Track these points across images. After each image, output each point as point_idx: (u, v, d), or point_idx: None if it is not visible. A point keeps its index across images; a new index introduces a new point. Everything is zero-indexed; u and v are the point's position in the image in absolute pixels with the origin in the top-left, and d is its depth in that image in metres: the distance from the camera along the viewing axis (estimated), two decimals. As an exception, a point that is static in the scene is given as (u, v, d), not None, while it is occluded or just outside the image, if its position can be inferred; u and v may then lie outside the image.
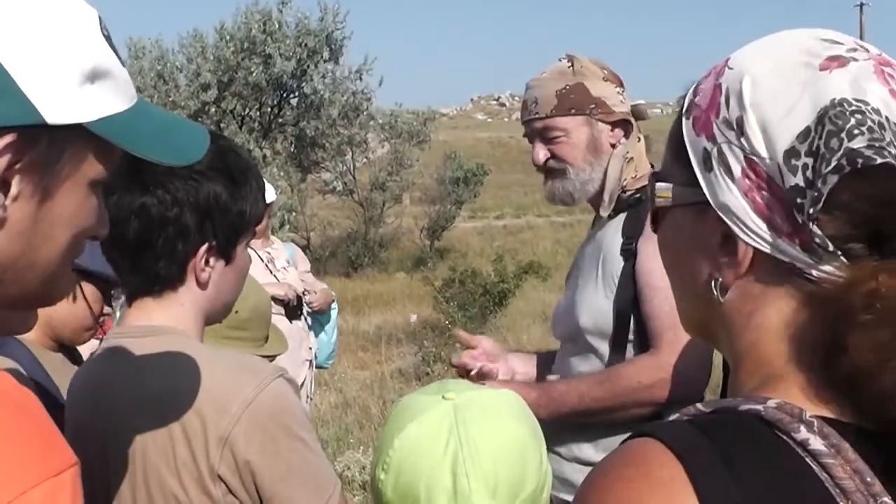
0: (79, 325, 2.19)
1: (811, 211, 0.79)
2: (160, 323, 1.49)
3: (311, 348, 5.25)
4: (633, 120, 2.23)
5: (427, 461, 1.21)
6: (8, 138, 0.78)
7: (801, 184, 0.80)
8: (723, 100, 0.87)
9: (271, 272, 4.89)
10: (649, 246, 2.04)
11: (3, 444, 0.71)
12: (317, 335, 5.40)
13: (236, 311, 2.27)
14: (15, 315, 0.90)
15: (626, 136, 2.22)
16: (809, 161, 0.80)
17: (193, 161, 0.97)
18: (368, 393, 8.85)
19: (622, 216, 2.19)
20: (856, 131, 0.79)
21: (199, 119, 16.38)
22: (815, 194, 0.79)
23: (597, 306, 2.12)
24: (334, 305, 5.56)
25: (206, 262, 1.49)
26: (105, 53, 0.86)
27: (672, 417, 0.85)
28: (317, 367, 5.50)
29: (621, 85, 2.25)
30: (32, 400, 0.77)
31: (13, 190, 0.80)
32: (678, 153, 0.92)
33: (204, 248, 1.48)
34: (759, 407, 0.80)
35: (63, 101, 0.81)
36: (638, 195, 2.18)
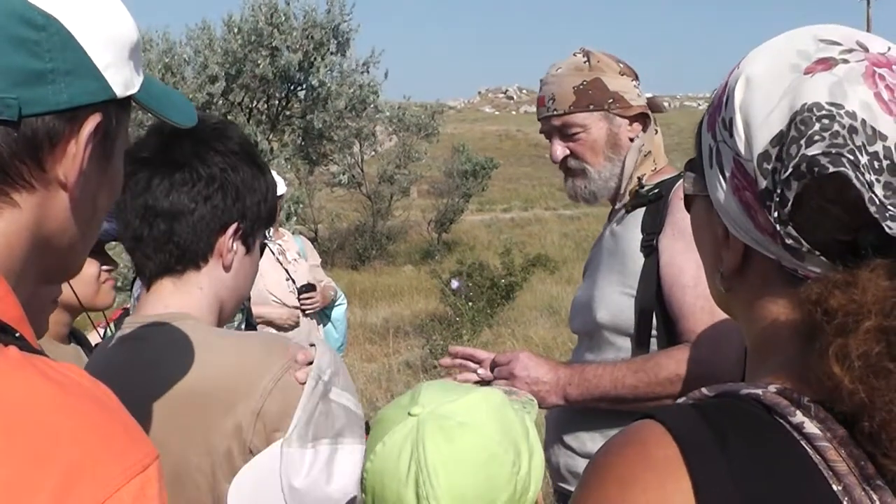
0: (92, 287, 2.22)
1: (777, 214, 0.83)
2: (176, 310, 1.49)
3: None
4: (650, 113, 2.22)
5: (394, 483, 1.20)
6: (97, 117, 0.83)
7: (770, 187, 0.84)
8: (724, 99, 0.91)
9: (282, 264, 4.88)
10: (675, 243, 2.03)
11: (89, 440, 0.70)
12: (324, 325, 5.39)
13: None
14: (45, 296, 0.92)
15: (644, 129, 2.21)
16: (778, 166, 0.84)
17: (193, 123, 1.00)
18: (376, 386, 8.86)
19: (640, 211, 2.17)
20: (816, 137, 0.81)
21: (207, 111, 16.32)
22: (780, 198, 0.83)
23: (615, 302, 2.11)
24: (342, 299, 5.55)
25: (232, 244, 1.51)
26: (135, 26, 0.90)
27: (679, 400, 0.89)
28: (324, 360, 5.49)
29: (636, 78, 2.24)
30: (107, 392, 0.77)
31: (86, 165, 0.83)
32: (698, 145, 0.97)
33: (233, 228, 1.50)
34: (759, 391, 0.83)
35: (122, 75, 0.86)
36: (657, 190, 2.16)
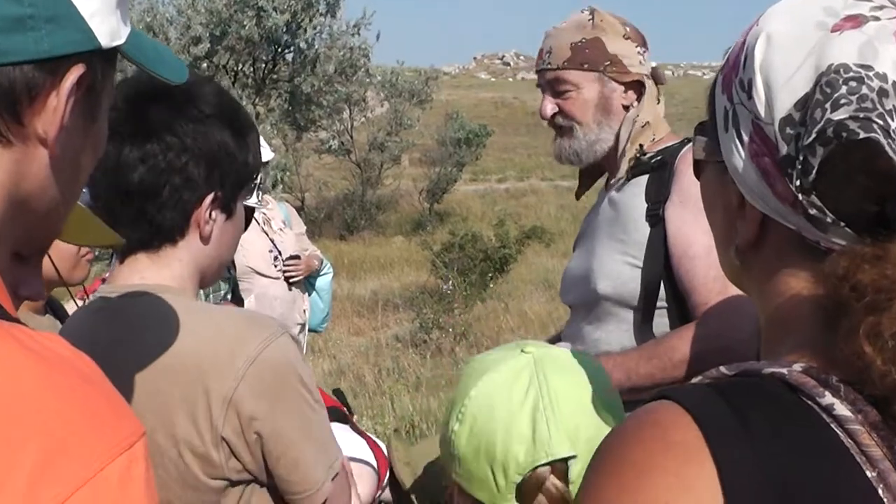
0: (71, 261, 2.20)
1: (799, 182, 0.80)
2: (154, 281, 1.47)
3: (304, 311, 5.22)
4: (650, 82, 2.20)
5: (505, 408, 1.21)
6: (80, 69, 0.79)
7: (792, 153, 0.81)
8: (742, 58, 0.88)
9: (267, 234, 4.84)
10: (683, 213, 2.03)
11: (71, 415, 0.67)
12: (309, 295, 5.36)
13: None
14: (28, 272, 0.89)
15: (639, 98, 2.18)
16: (801, 131, 0.81)
17: (186, 79, 0.98)
18: (363, 360, 8.86)
19: (642, 179, 2.15)
20: (843, 101, 0.78)
21: (190, 74, 16.15)
22: (803, 166, 0.80)
23: (617, 273, 2.10)
24: (328, 269, 5.52)
25: (210, 214, 1.47)
26: None
27: (694, 380, 0.86)
28: (309, 331, 5.47)
29: (644, 45, 2.22)
30: (90, 364, 0.75)
31: (67, 120, 0.80)
32: (711, 108, 0.94)
33: (209, 198, 1.46)
34: (784, 370, 0.80)
35: (108, 24, 0.82)
36: (660, 157, 2.14)
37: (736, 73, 0.88)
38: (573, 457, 1.17)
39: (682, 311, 2.03)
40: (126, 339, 1.40)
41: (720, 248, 0.97)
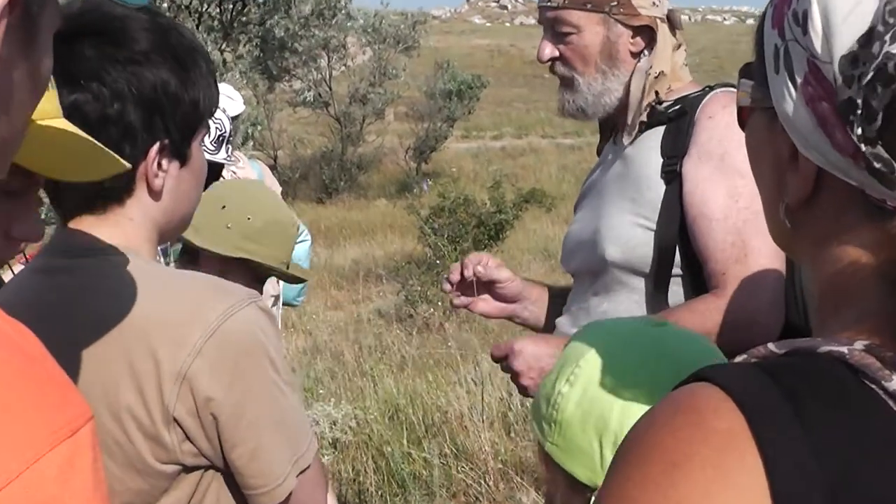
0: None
1: (861, 131, 0.77)
2: (104, 243, 1.43)
3: (278, 281, 5.19)
4: (664, 27, 2.17)
5: (630, 375, 1.23)
6: None
7: (854, 97, 0.78)
8: None
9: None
10: (701, 168, 2.02)
11: (8, 399, 0.65)
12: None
13: (248, 218, 2.29)
14: None
15: (649, 46, 2.16)
16: (864, 70, 0.77)
17: (144, 3, 0.92)
18: (342, 337, 8.87)
19: (657, 131, 2.14)
20: None
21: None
22: (866, 111, 0.77)
23: (628, 236, 2.09)
24: (306, 235, 5.50)
25: (159, 165, 1.44)
26: None
27: (738, 359, 0.83)
28: (284, 304, 5.46)
29: None
30: (30, 337, 0.72)
31: (3, 51, 0.76)
32: (759, 48, 0.91)
33: (155, 148, 1.43)
34: (843, 349, 0.77)
35: None
36: (679, 106, 2.12)
37: (789, 3, 0.85)
38: None
39: (698, 280, 2.03)
40: (70, 304, 1.39)
41: (767, 207, 0.94)
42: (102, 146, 1.13)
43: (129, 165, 1.15)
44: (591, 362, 1.25)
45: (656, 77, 2.15)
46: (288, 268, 2.41)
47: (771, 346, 0.82)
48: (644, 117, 2.15)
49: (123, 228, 1.45)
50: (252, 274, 2.22)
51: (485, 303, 2.35)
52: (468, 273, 2.29)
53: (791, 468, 0.73)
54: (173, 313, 1.36)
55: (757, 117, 0.93)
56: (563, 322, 2.27)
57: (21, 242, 1.37)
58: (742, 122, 0.97)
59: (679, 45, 2.20)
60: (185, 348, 1.33)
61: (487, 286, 2.33)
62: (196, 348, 1.33)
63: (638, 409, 1.18)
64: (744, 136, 0.97)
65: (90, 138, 1.11)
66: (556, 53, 2.19)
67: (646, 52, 2.16)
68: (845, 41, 0.79)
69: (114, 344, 1.34)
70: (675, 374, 1.20)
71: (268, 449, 1.39)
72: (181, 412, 1.34)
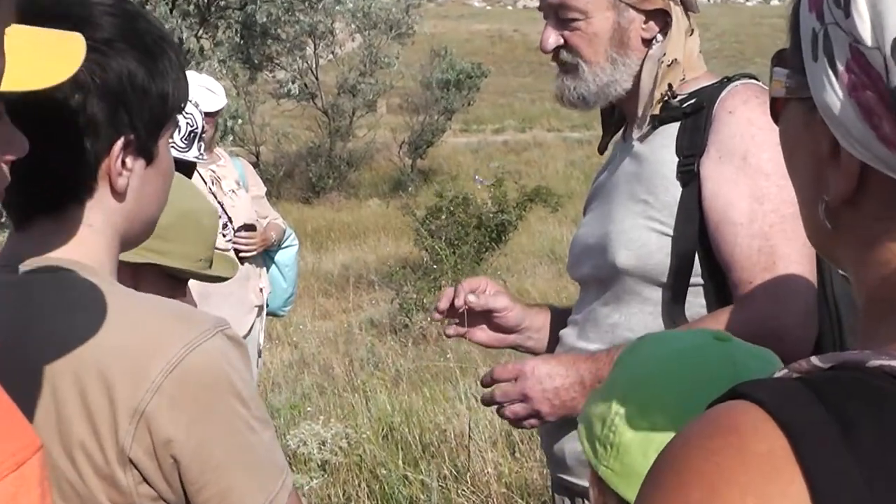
0: None
1: None
2: (60, 255, 1.42)
3: (261, 290, 5.19)
4: (679, 10, 2.17)
5: (699, 393, 1.20)
6: None
7: None
8: None
9: (215, 197, 4.79)
10: (721, 169, 2.02)
11: None
12: (268, 270, 5.33)
13: None
14: None
15: (663, 31, 2.16)
16: None
17: None
18: (331, 349, 8.87)
19: (671, 127, 2.14)
20: None
21: (119, -1, 16.00)
22: None
23: (642, 241, 2.09)
24: (293, 240, 5.50)
25: (123, 163, 1.43)
26: None
27: (778, 373, 0.83)
28: (268, 314, 5.46)
29: None
30: None
31: None
32: (795, 33, 0.90)
33: (119, 144, 1.41)
34: (895, 363, 0.77)
35: None
36: (695, 100, 2.12)
37: None
38: None
39: (721, 289, 2.03)
40: (21, 326, 1.38)
41: (804, 207, 0.94)
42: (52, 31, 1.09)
43: (77, 65, 1.11)
44: (651, 379, 1.25)
45: (669, 65, 2.15)
46: (212, 265, 2.32)
47: (815, 359, 0.82)
48: (656, 111, 2.15)
49: (82, 239, 1.44)
50: (169, 279, 2.14)
51: (482, 332, 2.34)
52: (458, 302, 2.27)
53: (839, 495, 0.72)
54: (132, 343, 1.34)
55: (793, 109, 0.92)
56: (567, 334, 2.27)
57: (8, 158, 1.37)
58: (775, 115, 0.96)
59: (692, 31, 2.20)
60: (143, 383, 1.32)
61: (485, 315, 2.32)
62: (155, 384, 1.32)
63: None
64: (767, 133, 0.97)
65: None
66: (562, 41, 2.18)
67: (659, 37, 2.16)
68: (894, 24, 0.79)
69: (67, 373, 1.33)
70: None
71: (237, 492, 1.37)
72: (138, 453, 1.32)
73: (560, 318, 2.38)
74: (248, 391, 1.40)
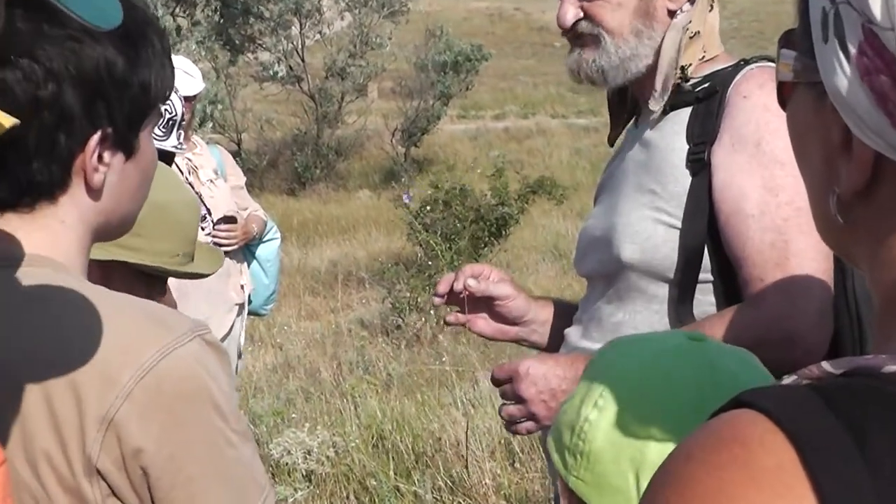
0: None
1: None
2: (28, 251, 1.42)
3: (242, 287, 5.20)
4: None
5: (670, 398, 1.23)
6: None
7: None
8: None
9: (193, 187, 4.79)
10: (734, 157, 2.02)
11: None
12: (248, 265, 5.33)
13: None
14: None
15: (691, 1, 2.16)
16: None
17: (115, 24, 0.95)
18: (318, 351, 8.88)
19: (683, 112, 2.14)
20: None
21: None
22: None
23: (648, 234, 2.10)
24: (275, 233, 5.51)
25: (100, 158, 1.43)
26: None
27: (786, 380, 0.83)
28: (250, 313, 5.47)
29: None
30: None
31: None
32: (804, 12, 0.90)
33: (96, 138, 1.41)
34: None
35: None
36: (708, 84, 2.13)
37: None
38: None
39: (732, 287, 2.04)
40: None
41: (814, 200, 0.94)
42: None
43: (14, 121, 1.13)
44: (622, 384, 1.26)
45: (692, 37, 2.15)
46: (193, 259, 2.29)
47: (826, 364, 0.81)
48: (669, 85, 2.14)
49: (53, 233, 1.44)
50: (143, 277, 2.12)
51: (484, 321, 2.36)
52: (458, 286, 2.29)
53: None
54: (102, 346, 1.34)
55: (801, 94, 0.92)
56: (571, 333, 2.28)
57: None
58: (783, 101, 0.96)
59: (712, 5, 2.21)
60: (112, 389, 1.32)
61: (486, 302, 2.33)
62: (126, 390, 1.32)
63: (683, 435, 1.19)
64: (783, 120, 0.97)
65: None
66: (581, 14, 2.18)
67: (686, 6, 2.16)
68: None
69: (31, 377, 1.33)
70: (725, 397, 1.23)
71: None
72: (105, 463, 1.32)
73: (565, 313, 2.39)
74: (227, 402, 1.40)
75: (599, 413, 1.25)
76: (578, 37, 2.20)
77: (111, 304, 1.41)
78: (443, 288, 2.31)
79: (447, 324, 2.38)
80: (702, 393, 1.22)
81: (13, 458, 1.32)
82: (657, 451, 1.20)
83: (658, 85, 2.16)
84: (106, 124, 1.42)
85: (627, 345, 1.37)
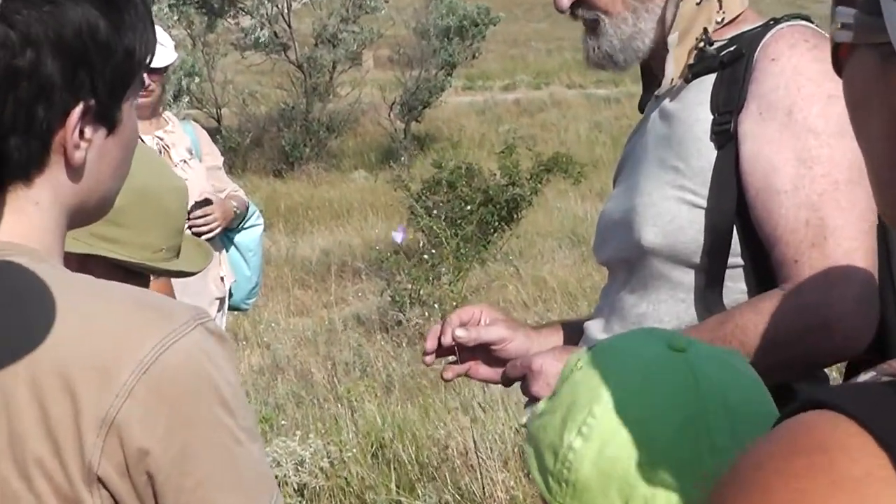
0: None
1: None
2: (2, 238, 1.43)
3: (222, 279, 5.21)
4: None
5: (660, 425, 1.26)
6: None
7: None
8: None
9: (164, 168, 4.81)
10: (763, 126, 2.02)
11: None
12: (227, 252, 5.33)
13: None
14: None
15: None
16: None
17: None
18: (310, 351, 8.90)
19: (707, 80, 2.14)
20: None
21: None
22: None
23: (671, 215, 2.10)
24: (257, 219, 5.51)
25: (82, 133, 1.43)
26: None
27: (864, 377, 0.82)
28: (230, 308, 5.48)
29: None
30: None
31: None
32: None
33: (78, 111, 1.42)
34: None
35: None
36: (734, 46, 2.12)
37: None
38: None
39: (765, 271, 2.04)
40: None
41: (877, 174, 0.92)
42: None
43: None
44: (606, 408, 1.28)
45: (698, 3, 2.16)
46: (179, 254, 2.30)
47: None
48: (690, 60, 2.16)
49: (28, 217, 1.45)
50: (124, 273, 2.11)
51: (486, 368, 2.36)
52: (446, 340, 2.30)
53: None
54: (96, 342, 1.35)
55: (862, 58, 0.91)
56: (592, 326, 2.29)
57: None
58: (838, 65, 0.96)
59: None
60: (111, 388, 1.32)
61: (484, 348, 2.33)
62: (126, 388, 1.33)
63: (671, 467, 1.22)
64: (816, 84, 0.96)
65: None
66: None
67: None
68: None
69: (20, 378, 1.33)
70: (720, 415, 1.24)
71: None
72: (107, 469, 1.33)
73: (577, 332, 2.39)
74: (234, 396, 1.42)
75: (584, 442, 1.27)
76: (584, 22, 2.25)
77: (102, 293, 1.42)
78: (430, 344, 2.32)
79: (445, 380, 2.39)
80: (687, 412, 1.25)
81: (3, 464, 1.33)
82: (647, 478, 1.23)
83: (670, 64, 2.18)
84: (89, 96, 1.43)
85: (603, 357, 1.37)
